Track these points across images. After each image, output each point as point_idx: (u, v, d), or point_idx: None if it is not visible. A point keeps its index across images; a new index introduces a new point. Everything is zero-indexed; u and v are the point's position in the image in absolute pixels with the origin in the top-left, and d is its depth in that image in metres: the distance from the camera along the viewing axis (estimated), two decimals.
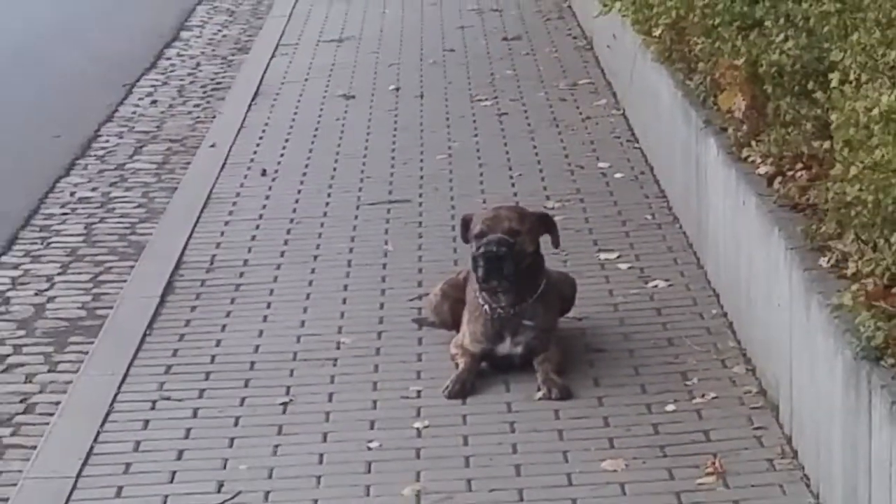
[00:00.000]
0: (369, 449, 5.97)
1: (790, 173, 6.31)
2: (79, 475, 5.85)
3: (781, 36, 6.37)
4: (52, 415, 6.55)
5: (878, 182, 4.84)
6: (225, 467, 5.87)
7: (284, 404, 6.41)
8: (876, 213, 4.95)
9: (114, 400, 6.51)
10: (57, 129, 11.38)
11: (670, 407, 6.18)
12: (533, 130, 10.33)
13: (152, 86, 12.81)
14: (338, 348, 6.97)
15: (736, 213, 6.77)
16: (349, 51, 13.02)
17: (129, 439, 6.16)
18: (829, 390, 5.15)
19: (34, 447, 6.25)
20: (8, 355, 7.44)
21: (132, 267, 8.33)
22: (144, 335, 7.19)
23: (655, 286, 7.48)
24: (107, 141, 11.20)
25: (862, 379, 4.71)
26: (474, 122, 10.65)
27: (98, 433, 6.20)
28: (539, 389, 6.35)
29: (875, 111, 4.86)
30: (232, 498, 5.62)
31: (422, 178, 9.47)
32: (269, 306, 7.51)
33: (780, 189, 6.26)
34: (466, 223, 6.80)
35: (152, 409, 6.43)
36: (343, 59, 12.73)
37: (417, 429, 6.13)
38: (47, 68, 13.42)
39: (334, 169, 9.74)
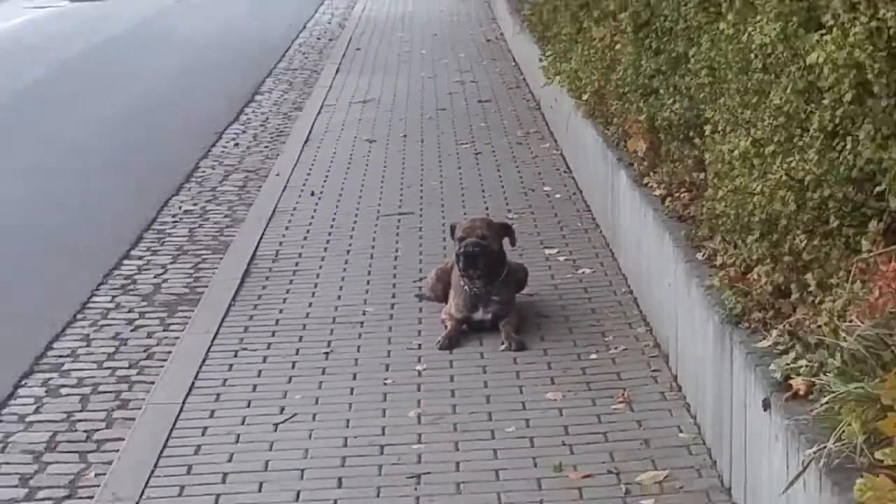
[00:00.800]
0: (385, 384, 5.99)
1: (676, 195, 6.33)
2: (184, 402, 5.88)
3: (671, 100, 6.37)
4: (165, 360, 6.55)
5: (737, 201, 4.85)
6: (285, 397, 5.89)
7: (326, 353, 6.41)
8: (736, 223, 4.97)
9: (208, 350, 6.51)
10: (173, 161, 11.39)
11: (593, 356, 6.18)
12: (499, 165, 10.29)
13: (235, 133, 12.77)
14: (363, 314, 6.94)
15: (639, 222, 6.77)
16: (371, 109, 12.98)
17: (218, 377, 6.17)
18: (703, 345, 5.17)
19: (153, 383, 6.28)
20: (135, 319, 7.44)
21: (221, 258, 8.31)
22: (230, 305, 7.18)
23: (583, 272, 7.45)
24: (204, 171, 11.16)
25: (726, 337, 4.74)
26: (458, 158, 10.61)
27: (197, 373, 6.22)
28: (502, 343, 6.35)
29: (735, 152, 4.86)
30: (290, 418, 5.63)
31: (421, 197, 9.43)
32: (315, 286, 7.49)
33: (670, 206, 6.27)
34: (453, 228, 6.85)
35: (235, 356, 6.44)
36: (367, 115, 12.70)
37: (418, 370, 6.14)
38: (163, 123, 13.43)
39: (361, 191, 9.71)
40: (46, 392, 6.45)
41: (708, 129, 5.44)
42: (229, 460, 5.24)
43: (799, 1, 4.53)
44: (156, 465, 5.22)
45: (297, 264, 7.92)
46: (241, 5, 23.98)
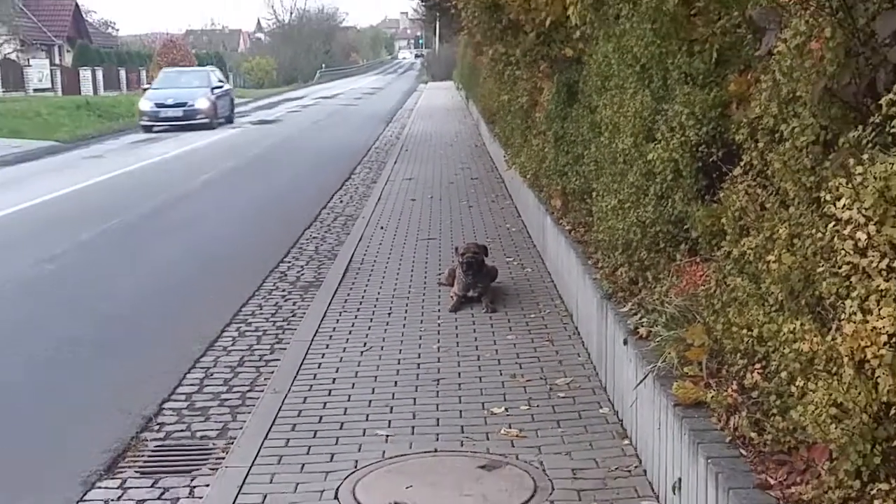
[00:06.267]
0: (420, 330, 5.96)
1: (577, 229, 6.31)
2: (312, 340, 5.86)
3: (574, 179, 6.37)
4: (302, 317, 6.56)
5: (609, 233, 4.85)
6: (366, 337, 5.86)
7: (389, 313, 6.39)
8: (609, 245, 4.95)
9: (325, 312, 6.49)
10: (307, 210, 11.37)
11: (532, 315, 6.16)
12: (482, 213, 10.27)
13: (340, 196, 12.78)
14: (409, 292, 6.93)
15: (557, 244, 6.76)
16: (413, 183, 12.98)
17: (330, 326, 6.15)
18: (591, 309, 5.15)
19: (295, 329, 6.27)
20: (286, 295, 7.43)
21: (332, 262, 8.30)
22: (337, 288, 7.16)
23: (527, 271, 7.43)
24: (322, 216, 11.16)
25: (603, 306, 4.73)
26: (460, 210, 10.58)
27: (319, 324, 6.20)
28: (484, 309, 6.33)
29: (609, 207, 4.87)
30: (369, 349, 5.60)
31: (440, 230, 9.41)
32: (383, 278, 7.46)
33: (573, 235, 6.25)
34: (456, 249, 6.83)
35: (339, 315, 6.39)
36: (411, 186, 12.69)
37: (439, 323, 6.11)
38: (299, 191, 13.44)
39: (408, 225, 9.69)
40: (238, 334, 6.46)
41: (594, 194, 5.46)
42: (336, 371, 5.25)
43: (642, 125, 4.56)
44: (297, 372, 5.24)
45: (373, 265, 7.91)
46: (346, 128, 24.04)
